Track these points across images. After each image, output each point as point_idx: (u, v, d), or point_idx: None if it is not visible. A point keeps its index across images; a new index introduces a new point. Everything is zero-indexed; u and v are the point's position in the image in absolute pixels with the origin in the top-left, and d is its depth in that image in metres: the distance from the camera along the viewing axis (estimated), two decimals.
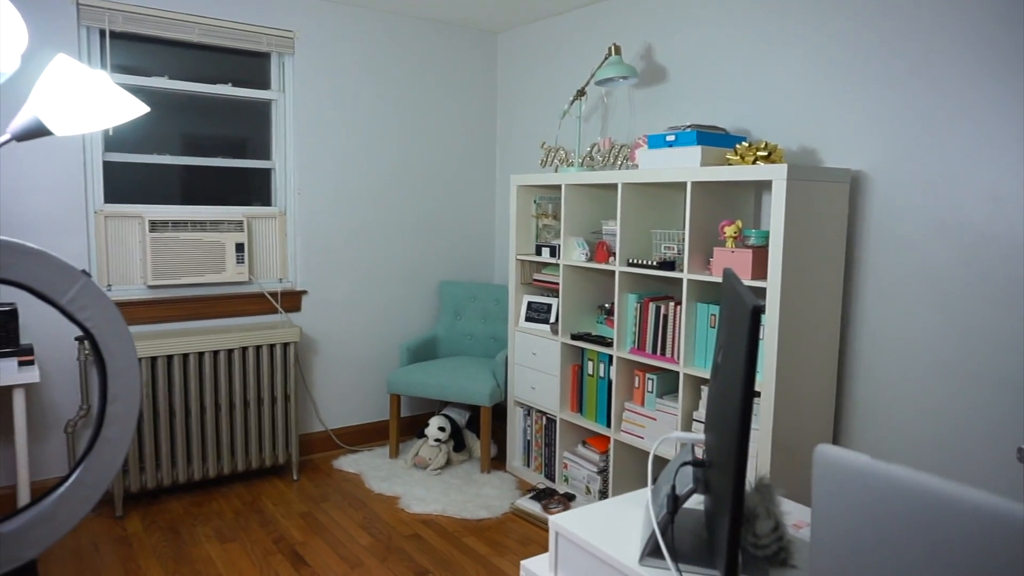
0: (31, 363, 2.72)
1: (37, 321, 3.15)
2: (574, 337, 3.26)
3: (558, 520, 1.49)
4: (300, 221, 3.81)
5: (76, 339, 3.22)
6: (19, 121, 1.34)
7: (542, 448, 3.53)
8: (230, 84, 3.62)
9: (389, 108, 4.06)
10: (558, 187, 3.53)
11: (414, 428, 4.30)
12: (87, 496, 1.18)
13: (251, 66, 3.71)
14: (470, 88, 4.35)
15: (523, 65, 4.21)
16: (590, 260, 3.19)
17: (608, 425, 3.13)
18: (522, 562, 1.57)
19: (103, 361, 1.22)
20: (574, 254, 3.26)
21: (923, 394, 2.44)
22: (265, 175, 3.81)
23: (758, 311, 0.96)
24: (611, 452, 3.11)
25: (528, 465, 3.63)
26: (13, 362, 2.72)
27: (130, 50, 3.37)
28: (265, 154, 3.79)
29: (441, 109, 4.26)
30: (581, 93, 3.36)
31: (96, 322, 1.18)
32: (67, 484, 1.20)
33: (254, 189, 3.78)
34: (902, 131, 2.46)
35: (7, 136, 1.33)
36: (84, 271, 1.19)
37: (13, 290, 3.09)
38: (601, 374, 3.16)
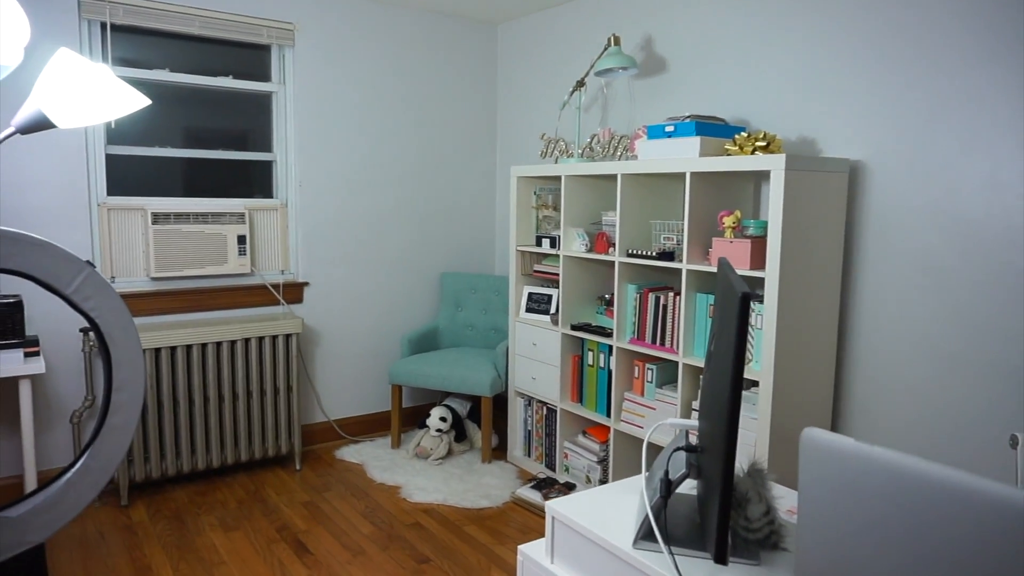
0: (36, 354, 2.75)
1: (42, 313, 3.18)
2: (574, 328, 3.28)
3: (554, 505, 1.51)
4: (301, 213, 3.83)
5: (81, 330, 3.25)
6: (23, 114, 1.36)
7: (543, 438, 3.56)
8: (231, 76, 3.63)
9: (390, 100, 4.07)
10: (558, 178, 3.55)
11: (415, 419, 4.33)
12: (93, 482, 1.21)
13: (252, 58, 3.72)
14: (470, 79, 4.36)
15: (523, 56, 4.21)
16: (590, 251, 3.21)
17: (608, 415, 3.15)
18: (519, 547, 1.60)
19: (108, 350, 1.24)
20: (574, 245, 3.27)
21: (920, 382, 2.46)
22: (266, 167, 3.82)
23: (747, 298, 0.98)
24: (611, 442, 3.13)
25: (529, 455, 3.66)
26: (19, 353, 2.76)
27: (131, 43, 3.39)
28: (266, 146, 3.81)
29: (441, 100, 4.27)
30: (581, 84, 3.37)
31: (100, 312, 1.20)
32: (74, 470, 1.23)
33: (255, 181, 3.80)
34: (900, 120, 2.47)
35: (11, 129, 1.35)
36: (88, 262, 1.21)
37: (18, 282, 3.12)
38: (601, 364, 3.18)
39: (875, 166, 2.54)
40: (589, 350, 3.24)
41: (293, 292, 3.84)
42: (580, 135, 3.59)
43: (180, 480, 3.46)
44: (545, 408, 3.51)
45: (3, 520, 1.14)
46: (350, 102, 3.93)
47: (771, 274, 2.40)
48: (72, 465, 1.23)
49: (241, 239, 3.58)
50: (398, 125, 4.12)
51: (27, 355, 2.73)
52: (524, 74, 4.22)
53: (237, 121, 3.72)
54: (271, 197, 3.83)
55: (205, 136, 3.63)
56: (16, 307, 2.85)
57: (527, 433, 3.67)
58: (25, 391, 2.61)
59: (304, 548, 2.83)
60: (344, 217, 3.98)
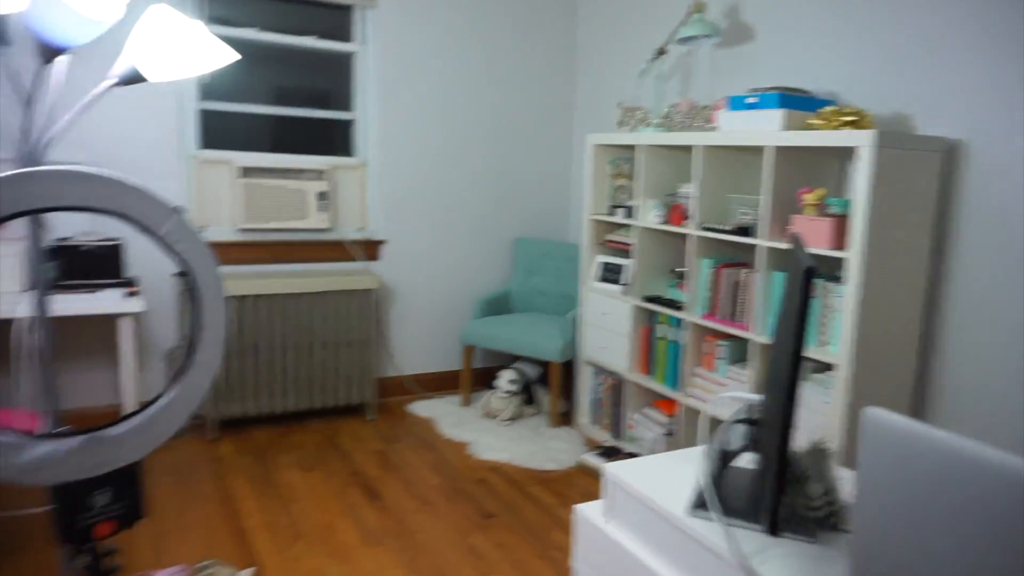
0: (136, 294, 2.95)
1: (140, 257, 3.40)
2: (646, 299, 3.26)
3: (613, 469, 1.54)
4: (381, 172, 3.93)
5: (174, 275, 3.47)
6: (120, 67, 1.46)
7: (610, 407, 3.57)
8: (316, 36, 3.73)
9: (469, 63, 4.09)
10: (634, 147, 3.50)
11: (485, 379, 4.43)
12: (183, 410, 1.32)
13: (336, 18, 3.81)
14: (549, 45, 4.33)
15: (603, 22, 4.14)
16: (665, 223, 3.17)
17: (677, 389, 3.13)
18: (575, 506, 1.63)
19: (194, 291, 1.34)
20: (649, 216, 3.24)
21: (1016, 380, 2.33)
22: (347, 126, 3.93)
23: (810, 272, 0.96)
24: (680, 416, 3.12)
25: (596, 423, 3.69)
26: (120, 292, 2.97)
27: (223, 1, 3.53)
28: (347, 106, 3.91)
29: (520, 65, 4.26)
30: (661, 52, 3.29)
31: (188, 254, 1.29)
32: (166, 398, 1.34)
33: (337, 140, 3.92)
34: (1007, 97, 2.31)
35: (114, 79, 1.45)
36: (177, 207, 1.30)
37: (118, 228, 3.34)
38: (672, 338, 3.16)
39: (977, 146, 2.39)
40: (660, 323, 3.22)
41: (371, 249, 3.96)
42: (659, 104, 3.52)
43: (262, 421, 3.67)
44: (613, 378, 3.52)
45: (105, 437, 1.27)
46: (430, 65, 3.97)
47: (853, 255, 2.31)
48: (163, 393, 1.35)
49: (322, 195, 3.70)
50: (477, 89, 4.14)
51: (128, 294, 2.93)
52: (604, 41, 4.15)
53: (321, 80, 3.83)
54: (351, 156, 3.94)
55: (291, 94, 3.76)
56: (117, 249, 3.06)
57: (595, 401, 3.70)
58: (127, 327, 2.82)
59: (375, 494, 2.96)
60: (422, 178, 4.05)
